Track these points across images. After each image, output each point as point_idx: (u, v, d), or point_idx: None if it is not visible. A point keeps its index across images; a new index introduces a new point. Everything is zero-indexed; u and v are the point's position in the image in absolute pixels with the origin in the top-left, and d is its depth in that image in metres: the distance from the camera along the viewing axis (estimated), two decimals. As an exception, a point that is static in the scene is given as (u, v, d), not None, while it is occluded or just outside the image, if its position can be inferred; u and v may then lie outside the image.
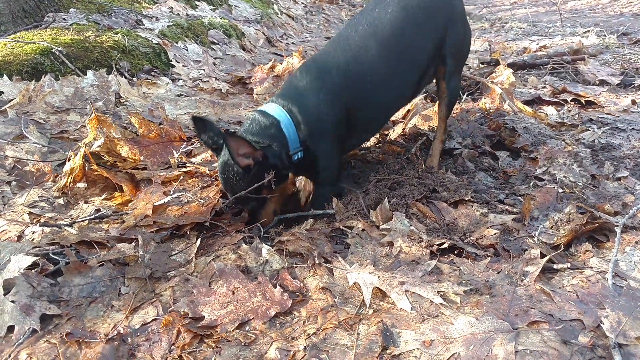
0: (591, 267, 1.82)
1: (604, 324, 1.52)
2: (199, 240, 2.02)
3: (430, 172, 2.55)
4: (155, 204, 2.20)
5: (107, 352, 1.53)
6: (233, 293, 1.75)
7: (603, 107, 3.74)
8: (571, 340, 1.48)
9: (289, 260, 1.94)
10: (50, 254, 1.91)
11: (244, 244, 2.01)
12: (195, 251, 1.97)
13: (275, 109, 2.20)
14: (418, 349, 1.49)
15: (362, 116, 2.39)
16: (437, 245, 1.96)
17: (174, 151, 2.71)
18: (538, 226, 2.10)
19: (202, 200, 2.22)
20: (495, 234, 2.04)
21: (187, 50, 4.80)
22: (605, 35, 6.57)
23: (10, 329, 1.60)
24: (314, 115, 2.22)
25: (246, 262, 1.92)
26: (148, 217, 2.15)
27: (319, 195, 2.36)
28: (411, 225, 2.06)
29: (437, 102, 2.74)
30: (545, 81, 4.48)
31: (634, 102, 3.77)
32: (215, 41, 5.36)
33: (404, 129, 3.16)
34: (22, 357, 1.52)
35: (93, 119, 2.62)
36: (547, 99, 3.89)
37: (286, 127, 2.16)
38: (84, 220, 2.19)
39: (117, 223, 2.18)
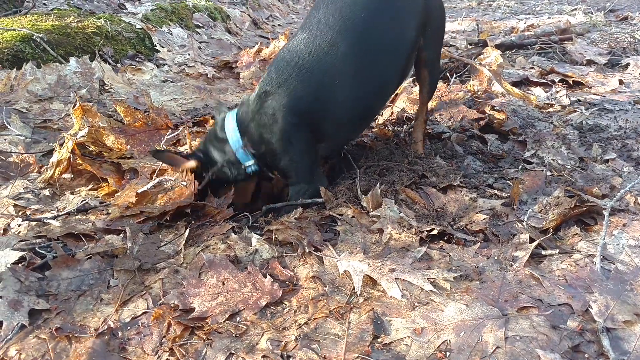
0: (580, 251, 1.83)
1: (592, 308, 1.53)
2: (187, 230, 2.00)
3: (419, 157, 2.54)
4: (138, 191, 2.18)
5: (97, 347, 1.52)
6: (223, 284, 1.74)
7: (591, 88, 3.75)
8: (560, 325, 1.49)
9: (279, 249, 1.93)
10: (37, 249, 1.89)
11: (233, 234, 2.00)
12: (184, 242, 1.96)
13: (230, 125, 2.18)
14: (409, 337, 1.50)
15: (335, 122, 2.22)
16: (427, 231, 1.96)
17: (161, 139, 2.68)
18: (527, 210, 2.11)
19: (184, 183, 2.21)
20: (484, 219, 2.05)
21: (171, 34, 4.73)
22: (592, 12, 6.56)
23: (-1, 324, 1.59)
24: (268, 136, 2.13)
25: (235, 252, 1.91)
26: (134, 207, 2.13)
27: (294, 194, 2.26)
28: (400, 212, 2.06)
29: (418, 87, 2.68)
30: (533, 62, 4.47)
31: (621, 82, 3.78)
32: (200, 25, 5.29)
33: (392, 112, 3.15)
34: (11, 353, 1.51)
35: (78, 109, 2.57)
36: (535, 80, 3.89)
37: (234, 146, 2.17)
38: (67, 213, 2.16)
39: (104, 214, 2.16)
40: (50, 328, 1.59)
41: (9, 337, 1.56)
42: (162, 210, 2.11)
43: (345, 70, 2.11)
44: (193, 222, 2.12)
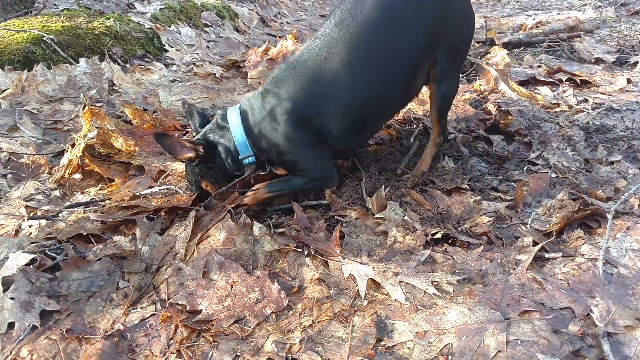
0: (582, 255, 1.84)
1: (593, 312, 1.54)
2: (191, 225, 2.01)
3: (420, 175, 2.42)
4: (137, 193, 2.24)
5: (107, 349, 1.56)
6: (232, 287, 1.76)
7: (598, 87, 3.74)
8: (561, 329, 1.51)
9: (282, 241, 1.96)
10: (47, 251, 1.93)
11: (232, 223, 2.01)
12: (187, 240, 1.97)
13: (233, 114, 2.23)
14: (411, 340, 1.52)
15: (333, 127, 2.20)
16: (431, 234, 1.98)
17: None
18: (531, 213, 2.12)
19: (188, 193, 2.26)
20: (488, 221, 2.06)
21: (180, 34, 4.76)
22: (602, 7, 6.50)
23: (11, 325, 1.63)
24: (271, 134, 2.16)
25: (236, 244, 1.94)
26: (129, 200, 2.18)
27: (297, 183, 2.25)
28: (405, 215, 2.08)
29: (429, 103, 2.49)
30: (541, 60, 4.46)
31: (629, 81, 3.76)
32: (209, 23, 5.31)
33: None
34: (23, 354, 1.55)
35: (87, 112, 2.61)
36: (542, 79, 3.88)
37: (235, 134, 2.19)
38: (69, 207, 2.21)
39: (102, 212, 2.19)
40: (60, 329, 1.63)
41: (20, 337, 1.60)
42: (157, 207, 2.16)
43: (342, 78, 2.11)
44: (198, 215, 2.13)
